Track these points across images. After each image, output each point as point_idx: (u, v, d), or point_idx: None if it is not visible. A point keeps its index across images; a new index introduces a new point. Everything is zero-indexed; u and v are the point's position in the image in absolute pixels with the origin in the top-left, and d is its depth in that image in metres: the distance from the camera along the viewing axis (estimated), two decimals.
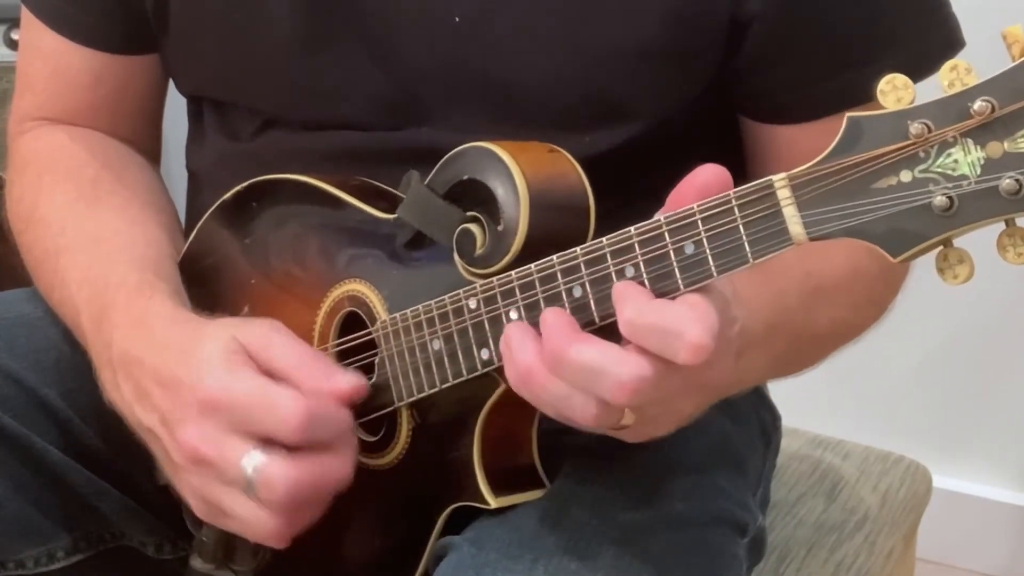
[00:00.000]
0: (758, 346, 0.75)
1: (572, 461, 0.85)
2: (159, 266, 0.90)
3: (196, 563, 0.90)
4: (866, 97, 0.68)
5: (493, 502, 0.79)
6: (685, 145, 0.88)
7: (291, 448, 0.75)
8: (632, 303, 0.66)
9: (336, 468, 0.77)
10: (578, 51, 0.84)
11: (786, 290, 0.80)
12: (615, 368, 0.66)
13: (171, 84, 1.03)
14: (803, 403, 0.97)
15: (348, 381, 0.78)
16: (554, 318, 0.69)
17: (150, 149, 1.05)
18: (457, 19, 0.85)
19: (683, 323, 0.64)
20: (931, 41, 0.85)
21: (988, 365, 1.90)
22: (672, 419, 0.74)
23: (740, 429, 0.98)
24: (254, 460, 0.75)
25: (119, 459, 0.94)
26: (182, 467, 0.79)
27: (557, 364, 0.68)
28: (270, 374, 0.77)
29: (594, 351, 0.67)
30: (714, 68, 0.85)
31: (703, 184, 0.67)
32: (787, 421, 1.11)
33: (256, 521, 0.76)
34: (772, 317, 0.76)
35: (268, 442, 0.75)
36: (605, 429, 0.71)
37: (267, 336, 0.79)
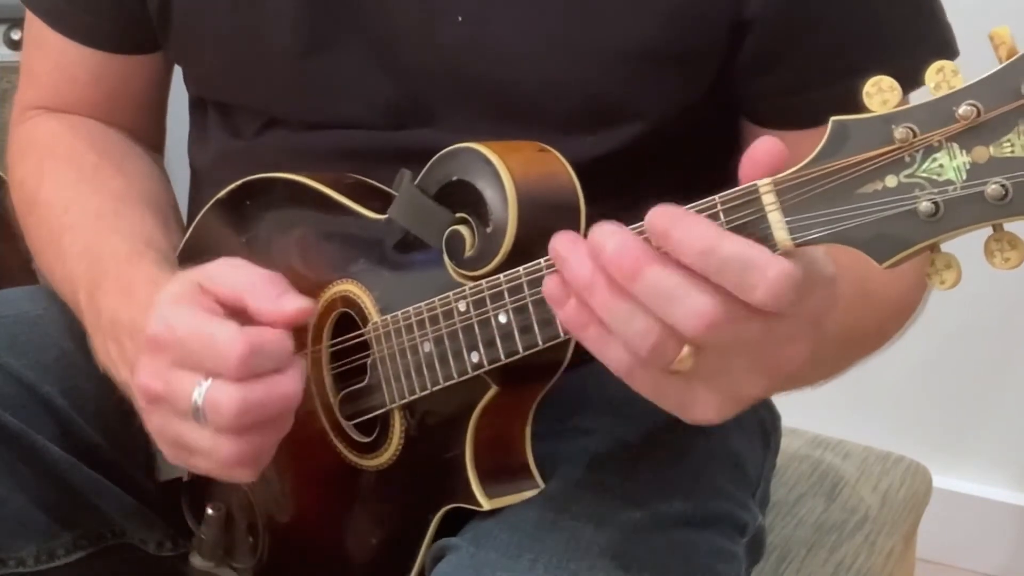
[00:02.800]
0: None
1: (571, 461, 0.85)
2: (151, 238, 0.91)
3: (196, 560, 0.91)
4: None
5: (486, 504, 0.79)
6: (685, 147, 0.88)
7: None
8: (706, 228, 0.61)
9: (283, 385, 0.75)
10: (579, 54, 0.83)
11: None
12: (696, 295, 0.61)
13: (174, 80, 1.03)
14: (803, 403, 0.96)
15: (295, 304, 0.76)
16: (624, 236, 0.63)
17: (151, 139, 1.06)
18: (460, 18, 0.84)
19: (767, 258, 0.60)
20: (929, 48, 0.85)
21: (988, 365, 1.90)
22: (729, 388, 0.66)
23: (740, 429, 0.97)
24: (200, 388, 0.74)
25: (120, 457, 0.95)
26: (144, 409, 0.78)
27: (631, 281, 0.62)
28: (223, 306, 0.76)
29: (677, 276, 0.61)
30: (714, 71, 0.85)
31: (765, 156, 0.63)
32: (787, 421, 1.11)
33: (215, 448, 0.75)
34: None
35: (214, 376, 0.74)
36: (652, 381, 0.64)
37: (219, 269, 0.78)
